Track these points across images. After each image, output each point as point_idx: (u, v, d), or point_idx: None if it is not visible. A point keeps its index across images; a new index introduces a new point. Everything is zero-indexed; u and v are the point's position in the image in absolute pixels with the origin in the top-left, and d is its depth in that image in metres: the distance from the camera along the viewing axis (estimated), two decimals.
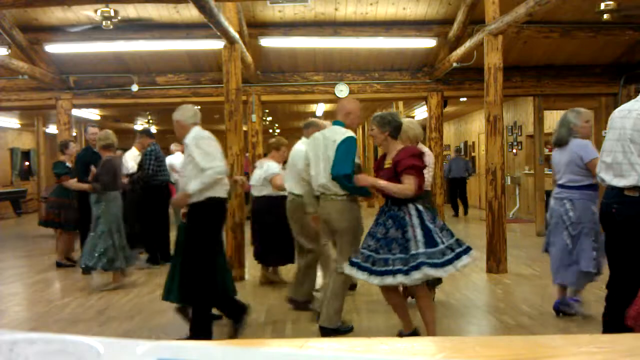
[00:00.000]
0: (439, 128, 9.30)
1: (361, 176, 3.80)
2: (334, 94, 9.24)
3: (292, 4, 7.36)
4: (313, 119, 5.31)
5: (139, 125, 16.89)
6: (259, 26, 8.11)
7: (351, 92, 9.22)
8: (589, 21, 7.74)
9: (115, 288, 5.82)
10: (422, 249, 3.43)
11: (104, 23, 6.77)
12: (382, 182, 3.64)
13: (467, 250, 3.58)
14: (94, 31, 7.61)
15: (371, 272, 3.55)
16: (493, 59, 6.42)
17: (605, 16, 6.96)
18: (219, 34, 5.92)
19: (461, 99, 11.34)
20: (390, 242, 3.53)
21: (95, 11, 6.90)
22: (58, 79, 8.89)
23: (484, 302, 5.30)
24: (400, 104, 12.30)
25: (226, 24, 5.75)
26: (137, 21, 7.85)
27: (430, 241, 3.47)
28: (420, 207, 3.59)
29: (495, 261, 6.38)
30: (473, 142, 15.42)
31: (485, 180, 6.68)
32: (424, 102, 9.63)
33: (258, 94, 9.32)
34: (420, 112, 13.48)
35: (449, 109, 11.41)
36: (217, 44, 7.03)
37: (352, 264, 3.68)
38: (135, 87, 9.00)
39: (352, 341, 0.94)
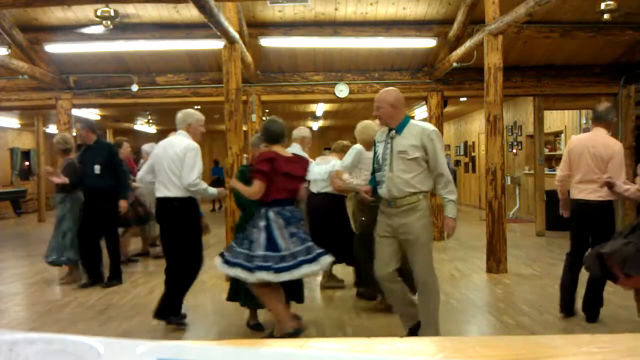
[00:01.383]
0: (439, 128, 9.30)
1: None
2: (334, 94, 9.24)
3: (292, 4, 7.36)
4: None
5: (139, 125, 16.89)
6: (259, 26, 8.10)
7: (351, 92, 9.22)
8: (589, 21, 7.74)
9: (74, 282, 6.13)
10: (261, 252, 3.63)
11: (103, 23, 6.77)
12: (235, 184, 3.96)
13: (314, 258, 3.66)
14: (95, 31, 7.62)
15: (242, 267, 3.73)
16: (493, 59, 6.42)
17: (605, 16, 6.96)
18: (219, 34, 5.92)
19: (461, 99, 11.34)
20: (244, 239, 3.80)
21: (95, 11, 6.89)
22: (58, 79, 8.89)
23: (484, 302, 5.29)
24: None
25: (226, 24, 5.75)
26: (137, 21, 7.85)
27: (271, 245, 3.65)
28: (272, 215, 3.73)
29: (495, 261, 6.38)
30: (473, 142, 15.42)
31: (485, 180, 6.68)
32: (424, 102, 9.63)
33: (258, 94, 9.32)
34: (420, 112, 13.48)
35: (449, 109, 11.41)
36: (217, 44, 7.03)
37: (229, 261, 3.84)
38: (135, 87, 9.00)
39: (352, 341, 0.94)
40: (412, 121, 3.69)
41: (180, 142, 4.32)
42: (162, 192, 4.25)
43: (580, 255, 4.23)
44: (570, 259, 4.49)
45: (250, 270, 3.63)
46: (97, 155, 5.96)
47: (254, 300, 4.01)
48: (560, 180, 4.53)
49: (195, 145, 4.33)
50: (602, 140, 4.31)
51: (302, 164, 3.97)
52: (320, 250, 3.75)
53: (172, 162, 4.22)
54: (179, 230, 4.26)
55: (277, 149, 3.89)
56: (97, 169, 5.90)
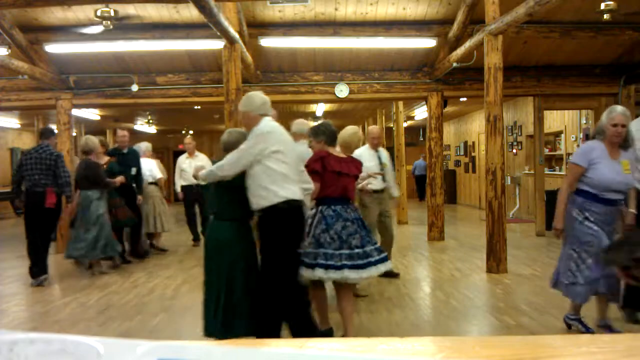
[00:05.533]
0: (439, 128, 9.30)
1: None
2: (334, 94, 9.24)
3: (292, 4, 7.36)
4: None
5: (139, 125, 16.89)
6: (259, 26, 8.10)
7: (351, 92, 9.23)
8: (589, 21, 7.74)
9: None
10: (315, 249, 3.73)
11: (104, 23, 6.77)
12: None
13: (343, 266, 3.67)
14: (94, 31, 7.62)
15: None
16: (493, 59, 6.42)
17: (605, 16, 6.96)
18: (219, 34, 5.92)
19: (461, 99, 11.34)
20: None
21: (96, 11, 6.90)
22: (58, 79, 8.89)
23: (484, 302, 5.29)
24: (400, 104, 12.30)
25: (226, 24, 5.75)
26: (137, 21, 7.85)
27: (316, 242, 3.74)
28: (321, 212, 3.81)
29: (495, 261, 6.38)
30: (473, 142, 15.42)
31: (485, 180, 6.68)
32: (424, 102, 9.63)
33: None
34: (420, 112, 13.49)
35: (449, 109, 11.42)
36: (217, 44, 7.03)
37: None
38: (135, 87, 8.99)
39: (352, 341, 0.94)
40: None
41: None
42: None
43: None
44: None
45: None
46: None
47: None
48: None
49: None
50: None
51: (355, 163, 4.09)
52: (367, 260, 3.73)
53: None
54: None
55: (331, 149, 4.01)
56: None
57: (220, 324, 3.47)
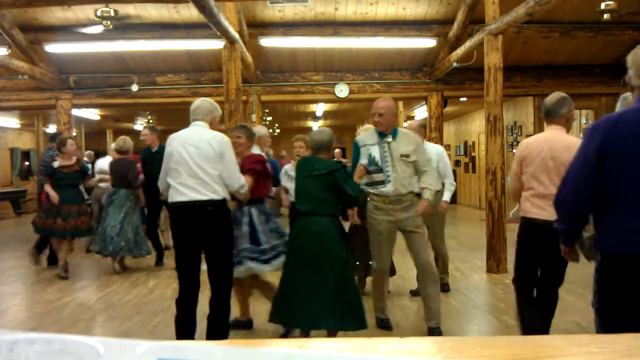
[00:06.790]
0: (439, 128, 9.31)
1: None
2: (334, 94, 9.24)
3: (292, 3, 7.36)
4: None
5: (139, 125, 16.89)
6: (259, 26, 8.11)
7: (351, 92, 9.23)
8: (589, 21, 7.75)
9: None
10: (247, 245, 3.92)
11: (104, 23, 6.78)
12: None
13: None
14: (95, 31, 7.63)
15: None
16: (493, 59, 6.42)
17: (605, 16, 6.97)
18: (219, 34, 5.92)
19: (461, 99, 11.34)
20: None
21: (96, 11, 6.90)
22: (58, 79, 8.89)
23: (484, 302, 5.29)
24: (400, 104, 12.30)
25: (226, 24, 5.75)
26: (137, 21, 7.85)
27: (254, 239, 3.95)
28: (256, 210, 4.01)
29: (495, 261, 6.38)
30: (473, 142, 15.42)
31: (485, 180, 6.69)
32: (424, 102, 9.64)
33: (258, 94, 9.32)
34: (420, 112, 13.49)
35: (449, 109, 11.41)
36: (217, 44, 7.04)
37: None
38: (135, 87, 9.00)
39: (352, 341, 0.94)
40: (399, 128, 4.22)
41: (213, 134, 3.59)
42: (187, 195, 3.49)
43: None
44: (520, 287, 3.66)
45: (237, 263, 3.91)
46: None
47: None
48: (515, 195, 3.53)
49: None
50: (562, 142, 3.39)
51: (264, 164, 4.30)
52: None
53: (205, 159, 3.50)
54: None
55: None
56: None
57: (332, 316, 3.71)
